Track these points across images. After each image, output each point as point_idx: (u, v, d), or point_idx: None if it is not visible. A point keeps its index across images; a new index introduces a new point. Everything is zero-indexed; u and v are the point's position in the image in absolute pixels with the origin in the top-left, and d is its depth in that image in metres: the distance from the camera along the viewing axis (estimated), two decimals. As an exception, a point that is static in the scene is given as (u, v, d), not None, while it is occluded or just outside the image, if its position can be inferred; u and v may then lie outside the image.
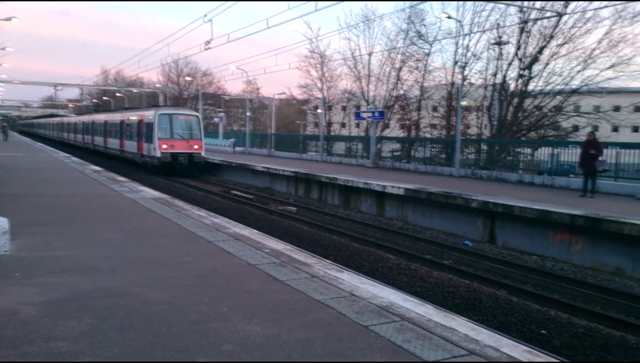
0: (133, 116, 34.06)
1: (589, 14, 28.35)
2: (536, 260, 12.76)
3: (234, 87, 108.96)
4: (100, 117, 44.31)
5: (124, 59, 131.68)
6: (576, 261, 12.40)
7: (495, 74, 33.41)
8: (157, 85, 77.59)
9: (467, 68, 33.08)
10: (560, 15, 27.81)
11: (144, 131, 30.73)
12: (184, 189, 24.59)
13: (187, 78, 76.85)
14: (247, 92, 65.43)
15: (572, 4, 28.85)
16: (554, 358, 4.77)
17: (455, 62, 34.68)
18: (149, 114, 30.57)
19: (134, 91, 70.27)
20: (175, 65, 76.52)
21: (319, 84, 43.03)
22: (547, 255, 13.01)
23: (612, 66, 29.24)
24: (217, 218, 11.09)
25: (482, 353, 4.44)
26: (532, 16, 29.98)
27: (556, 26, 29.79)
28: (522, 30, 30.83)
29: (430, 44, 36.68)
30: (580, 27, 29.26)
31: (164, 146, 28.68)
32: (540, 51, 30.84)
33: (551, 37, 30.19)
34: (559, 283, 10.74)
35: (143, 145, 31.04)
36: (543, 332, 7.90)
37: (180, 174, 29.39)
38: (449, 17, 27.19)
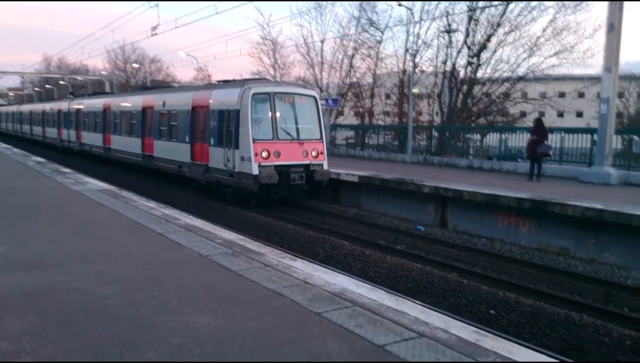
0: (181, 99, 19.89)
1: (534, 3, 29.20)
2: (485, 242, 13.12)
3: (184, 74, 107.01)
4: (99, 103, 29.46)
5: (66, 46, 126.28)
6: (523, 243, 12.82)
7: (445, 62, 33.96)
8: (102, 72, 75.12)
9: (418, 56, 33.50)
10: (506, 2, 28.51)
11: (215, 127, 16.96)
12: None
13: (135, 65, 74.71)
14: (198, 79, 64.16)
15: (518, -7, 29.59)
16: (501, 337, 4.92)
17: (407, 50, 35.04)
18: (228, 96, 16.62)
19: (79, 78, 67.76)
20: (122, 51, 74.22)
21: (272, 71, 42.64)
22: (495, 237, 13.40)
23: (556, 54, 30.26)
24: (167, 209, 10.86)
25: (432, 335, 4.52)
26: (480, 4, 30.63)
27: (503, 14, 30.51)
28: (470, 18, 31.40)
29: (382, 32, 36.89)
30: (526, 15, 30.09)
31: (264, 155, 15.57)
32: (488, 39, 31.54)
33: (498, 25, 30.90)
34: (507, 265, 11.09)
35: (212, 152, 17.25)
36: (492, 312, 8.13)
37: (281, 202, 17.04)
38: (400, 5, 27.42)
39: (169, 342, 4.27)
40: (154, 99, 22.10)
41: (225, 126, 16.34)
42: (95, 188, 13.75)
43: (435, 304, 8.25)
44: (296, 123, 16.79)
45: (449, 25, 31.68)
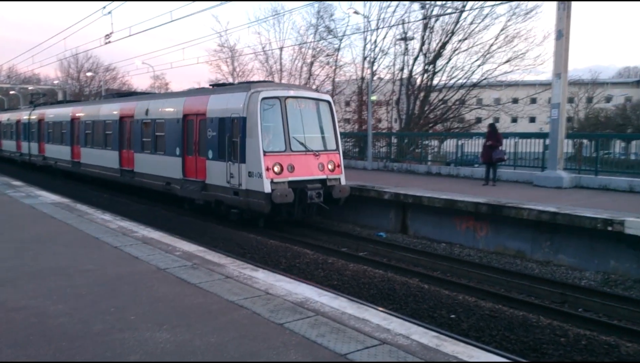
0: (169, 107, 17.57)
1: (486, 11, 30.00)
2: (445, 247, 13.32)
3: (140, 82, 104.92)
4: (66, 112, 26.68)
5: (16, 54, 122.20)
6: (481, 247, 13.08)
7: (402, 69, 34.48)
8: (55, 81, 72.94)
9: (375, 63, 33.93)
10: (460, 11, 29.22)
11: (214, 137, 14.86)
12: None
13: (89, 74, 72.87)
14: (155, 88, 63.11)
15: (470, 2, 30.41)
16: (462, 341, 4.98)
17: (365, 58, 35.43)
18: (231, 102, 14.50)
19: (30, 88, 65.57)
20: (75, 60, 72.18)
21: (230, 79, 42.38)
22: (454, 242, 13.63)
23: (508, 61, 31.16)
24: (123, 222, 10.59)
25: (394, 342, 4.54)
26: (434, 12, 31.30)
27: (457, 23, 31.23)
28: (425, 26, 32.02)
29: (340, 39, 37.21)
30: (478, 23, 30.88)
31: (276, 170, 13.51)
32: (443, 47, 32.22)
33: (452, 33, 31.60)
34: (467, 269, 11.27)
35: (210, 166, 15.16)
36: (452, 316, 8.24)
37: (290, 222, 14.95)
38: (356, 13, 27.71)
39: (127, 359, 4.14)
40: (134, 107, 19.74)
41: (228, 137, 14.23)
42: (48, 201, 13.29)
43: (397, 310, 8.31)
44: (310, 132, 14.72)
45: (405, 33, 32.23)
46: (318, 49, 38.69)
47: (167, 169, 17.19)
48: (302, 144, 14.24)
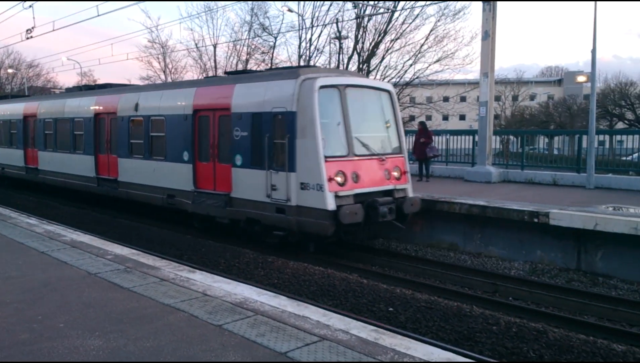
0: (172, 100, 14.37)
1: (416, 11, 30.78)
2: (382, 242, 13.57)
3: (66, 79, 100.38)
4: (17, 108, 22.53)
5: None
6: (417, 241, 13.41)
7: (337, 68, 34.80)
8: (-27, 79, 68.45)
9: (311, 61, 34.03)
10: (391, 11, 29.83)
11: (245, 139, 12.04)
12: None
13: (10, 70, 68.87)
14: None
15: (401, 2, 31.10)
16: (399, 333, 5.08)
17: (300, 56, 35.46)
18: (270, 92, 11.67)
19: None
20: (-6, 56, 68.07)
21: (163, 76, 41.28)
22: (391, 236, 13.90)
23: (438, 60, 32.13)
24: (50, 225, 10.09)
25: (333, 338, 4.56)
26: (367, 12, 31.78)
27: (389, 22, 31.86)
28: (359, 25, 32.45)
29: (275, 37, 37.05)
30: (410, 23, 31.64)
31: (339, 180, 10.85)
32: (376, 46, 32.76)
33: (385, 32, 32.20)
34: (403, 262, 11.54)
35: (238, 176, 12.25)
36: (390, 309, 8.39)
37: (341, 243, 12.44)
38: (290, 11, 27.70)
39: (55, 370, 3.94)
40: (115, 102, 16.35)
41: (268, 138, 11.33)
42: (-34, 206, 12.46)
43: (337, 306, 8.38)
44: (373, 130, 12.12)
45: (339, 32, 32.53)
46: (253, 47, 38.39)
47: (169, 179, 14.10)
48: (365, 146, 11.54)
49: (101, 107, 16.94)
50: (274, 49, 37.76)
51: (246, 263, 11.14)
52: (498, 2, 16.56)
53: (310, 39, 34.79)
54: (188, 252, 11.96)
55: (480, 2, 16.60)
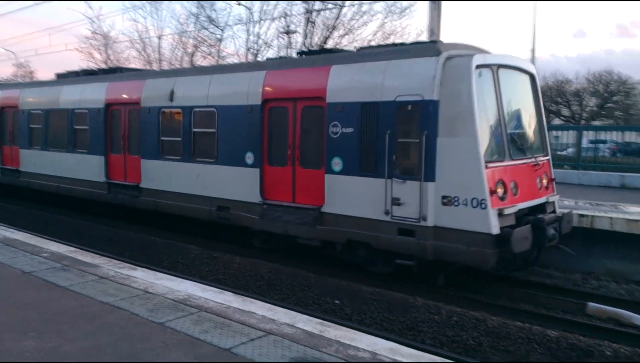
0: (227, 86, 11.63)
1: (364, 8, 31.06)
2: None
3: (1, 70, 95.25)
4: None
5: None
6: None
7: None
8: None
9: (259, 55, 33.76)
10: (340, 6, 29.99)
11: (350, 136, 9.46)
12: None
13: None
14: (19, 77, 57.68)
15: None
16: (344, 325, 5.14)
17: (248, 49, 35.10)
18: (392, 74, 9.02)
19: None
20: None
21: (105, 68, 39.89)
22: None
23: (386, 56, 32.52)
24: (-18, 223, 9.59)
25: (279, 332, 4.56)
26: (316, 6, 31.81)
27: (337, 18, 32.02)
28: (307, 20, 32.45)
29: (222, 30, 36.49)
30: (358, 19, 31.92)
31: (499, 192, 8.26)
32: (325, 41, 32.83)
33: (334, 28, 32.34)
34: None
35: (336, 184, 9.66)
36: (337, 302, 8.47)
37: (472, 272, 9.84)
38: (239, 4, 27.38)
39: (-16, 375, 3.75)
40: (140, 89, 13.32)
41: (389, 136, 8.85)
42: None
43: (284, 300, 8.39)
44: (522, 125, 9.76)
45: (288, 26, 32.44)
46: (200, 39, 37.68)
47: (221, 187, 11.51)
48: (521, 147, 9.31)
49: (116, 96, 13.93)
50: (220, 41, 37.22)
51: (191, 259, 10.97)
52: (443, 2, 16.95)
53: (259, 33, 34.52)
54: (130, 249, 11.66)
55: (427, 1, 16.94)
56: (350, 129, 9.41)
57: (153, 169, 12.88)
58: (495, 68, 8.86)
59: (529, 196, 8.99)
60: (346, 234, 9.54)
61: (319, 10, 31.22)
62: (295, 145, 10.30)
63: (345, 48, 10.37)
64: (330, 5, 28.76)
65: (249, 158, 10.94)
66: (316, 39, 33.06)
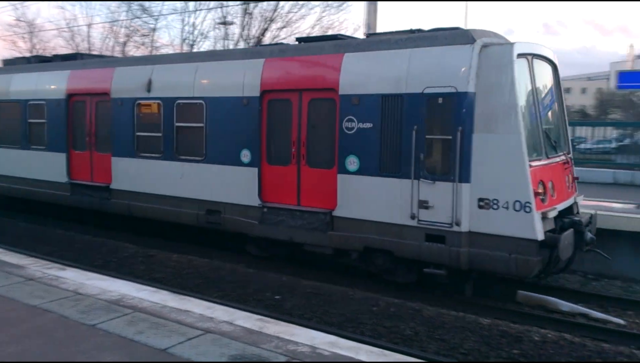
0: (219, 76, 10.54)
1: (301, 2, 31.08)
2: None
3: None
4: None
5: None
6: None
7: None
8: None
9: (195, 47, 33.07)
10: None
11: (370, 132, 8.55)
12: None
13: None
14: None
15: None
16: (284, 320, 5.13)
17: (184, 40, 34.29)
18: (424, 63, 8.17)
19: None
20: None
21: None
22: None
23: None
24: None
25: (217, 330, 4.50)
26: (254, -1, 31.49)
27: (275, 10, 31.86)
28: (245, 11, 32.09)
29: (156, 19, 35.44)
30: (295, 12, 31.90)
31: (541, 193, 7.64)
32: (263, 33, 32.61)
33: (271, 20, 32.17)
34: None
35: (353, 186, 8.76)
36: (277, 297, 8.45)
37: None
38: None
39: None
40: (109, 78, 11.97)
41: (416, 132, 8.06)
42: None
43: (223, 297, 8.27)
44: (549, 120, 9.03)
45: (225, 17, 31.95)
46: (132, 28, 36.43)
47: (211, 188, 10.44)
48: (554, 143, 8.72)
49: (80, 86, 12.50)
50: (154, 31, 36.14)
51: (125, 258, 10.64)
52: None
53: (194, 23, 33.81)
54: (59, 248, 11.16)
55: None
56: (368, 125, 8.54)
57: (126, 169, 11.61)
58: (530, 58, 8.25)
59: (563, 197, 8.46)
60: (363, 240, 8.68)
61: (255, 1, 30.94)
62: (300, 142, 9.37)
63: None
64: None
65: (245, 156, 9.93)
66: (254, 31, 32.76)
